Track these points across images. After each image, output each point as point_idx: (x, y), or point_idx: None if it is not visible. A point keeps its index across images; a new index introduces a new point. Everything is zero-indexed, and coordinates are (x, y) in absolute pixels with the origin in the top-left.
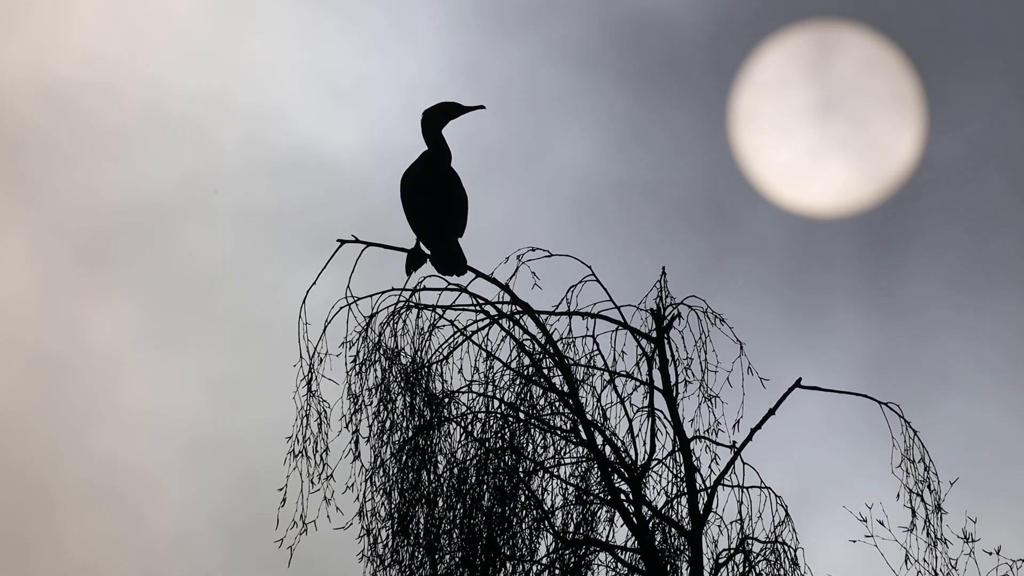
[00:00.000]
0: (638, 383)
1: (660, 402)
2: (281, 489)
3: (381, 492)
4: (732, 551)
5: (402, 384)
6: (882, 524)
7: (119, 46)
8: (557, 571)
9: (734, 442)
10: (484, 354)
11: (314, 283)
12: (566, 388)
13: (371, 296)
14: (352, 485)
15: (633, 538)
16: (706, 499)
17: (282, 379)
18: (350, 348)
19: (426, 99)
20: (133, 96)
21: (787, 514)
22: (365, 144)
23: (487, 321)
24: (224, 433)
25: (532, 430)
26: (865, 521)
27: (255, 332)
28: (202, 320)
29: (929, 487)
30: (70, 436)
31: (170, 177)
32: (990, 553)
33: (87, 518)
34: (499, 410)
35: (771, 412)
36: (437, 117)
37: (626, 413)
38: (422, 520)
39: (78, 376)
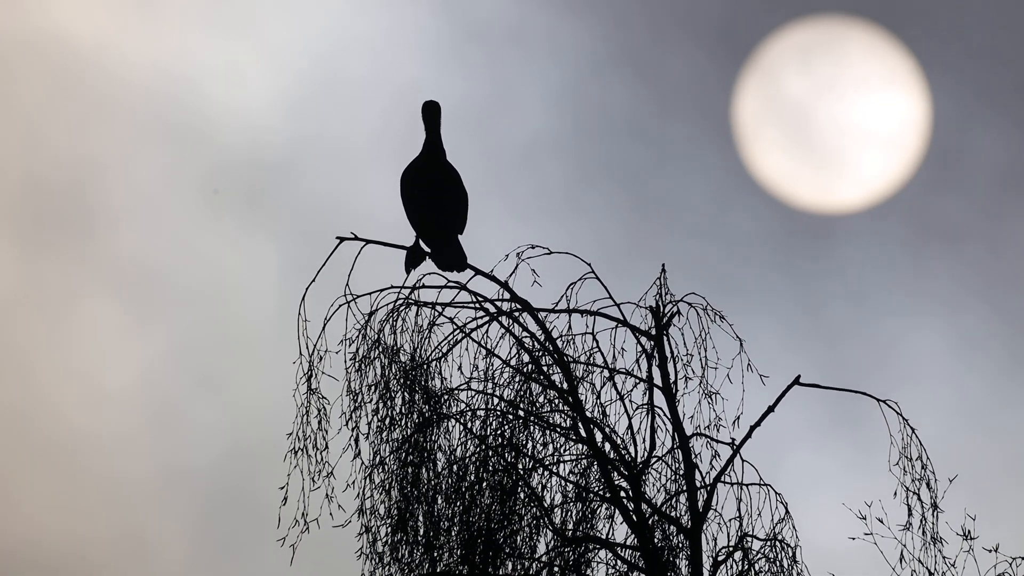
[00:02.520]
0: (638, 380)
1: (660, 399)
2: (281, 488)
3: (381, 489)
4: (731, 548)
5: (401, 381)
6: (881, 522)
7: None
8: (557, 568)
9: (733, 439)
10: (484, 351)
11: (313, 280)
12: (565, 385)
13: (370, 294)
14: (352, 482)
15: (633, 535)
16: (705, 496)
17: (245, 352)
18: (349, 345)
19: (400, 65)
20: (82, 60)
21: (787, 511)
22: (289, 103)
23: (486, 318)
24: (191, 404)
25: (532, 427)
26: (864, 519)
27: (210, 302)
28: (161, 288)
29: (927, 485)
30: (30, 399)
31: (146, 147)
32: (989, 551)
33: (45, 484)
34: (499, 407)
35: (770, 409)
36: (439, 115)
37: (626, 410)
38: (421, 517)
39: (44, 345)
